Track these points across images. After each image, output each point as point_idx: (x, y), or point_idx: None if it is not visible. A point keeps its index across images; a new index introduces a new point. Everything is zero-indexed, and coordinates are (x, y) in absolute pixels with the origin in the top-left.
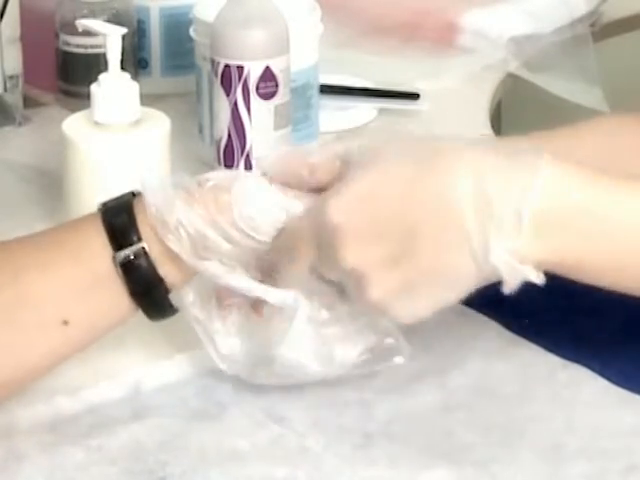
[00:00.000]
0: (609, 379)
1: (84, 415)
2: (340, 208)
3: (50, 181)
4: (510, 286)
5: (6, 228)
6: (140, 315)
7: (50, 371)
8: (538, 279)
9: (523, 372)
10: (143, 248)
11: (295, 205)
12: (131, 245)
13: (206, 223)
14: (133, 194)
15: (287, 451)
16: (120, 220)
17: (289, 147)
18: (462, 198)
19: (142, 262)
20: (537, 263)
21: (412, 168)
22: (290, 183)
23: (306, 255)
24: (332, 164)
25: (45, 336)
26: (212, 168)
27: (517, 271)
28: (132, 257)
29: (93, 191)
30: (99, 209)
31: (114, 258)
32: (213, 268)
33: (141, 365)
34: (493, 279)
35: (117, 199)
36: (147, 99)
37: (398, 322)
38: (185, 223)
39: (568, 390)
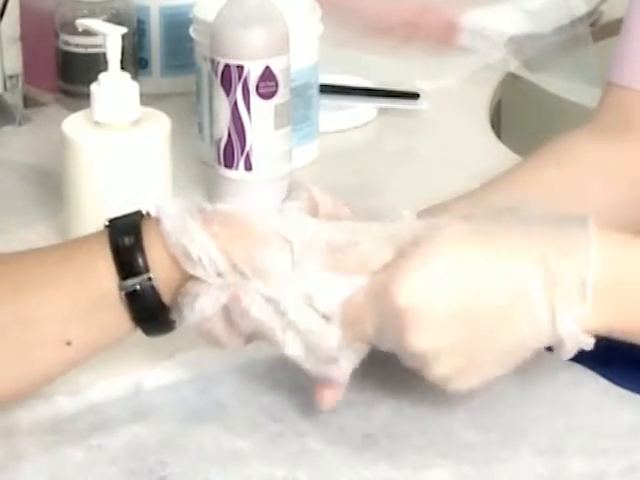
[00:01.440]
0: (609, 379)
1: (84, 415)
2: (410, 291)
3: (50, 181)
4: (570, 354)
5: (6, 228)
6: None
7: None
8: (589, 346)
9: (524, 372)
10: (149, 278)
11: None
12: (137, 274)
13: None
14: (141, 214)
15: (287, 451)
16: (127, 243)
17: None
18: (532, 281)
19: (148, 292)
20: (596, 330)
21: (477, 252)
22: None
23: (366, 331)
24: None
25: (46, 354)
26: (212, 168)
27: (580, 340)
28: (138, 287)
29: (93, 191)
30: (106, 227)
31: (120, 286)
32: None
33: (141, 365)
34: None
35: (125, 217)
36: (147, 99)
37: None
38: (212, 254)
39: (568, 390)
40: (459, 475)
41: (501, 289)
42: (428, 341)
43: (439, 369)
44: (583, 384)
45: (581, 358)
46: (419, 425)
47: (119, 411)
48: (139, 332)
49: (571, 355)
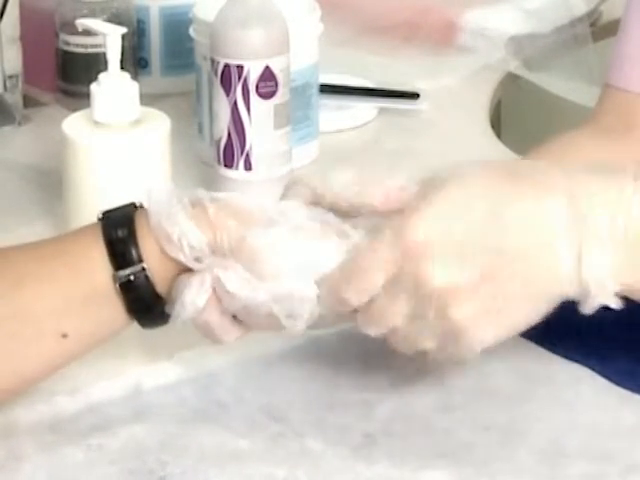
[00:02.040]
0: (609, 379)
1: (84, 415)
2: (425, 225)
3: (50, 181)
4: (592, 306)
5: (6, 227)
6: None
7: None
8: (617, 304)
9: (523, 372)
10: (143, 268)
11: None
12: (131, 264)
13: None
14: (135, 206)
15: (287, 451)
16: (121, 235)
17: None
18: (555, 219)
19: (141, 282)
20: (629, 285)
21: (499, 186)
22: (342, 208)
23: (373, 282)
24: (406, 192)
25: (43, 348)
26: (212, 167)
27: (606, 289)
28: (132, 278)
29: (93, 191)
30: (99, 219)
31: (114, 277)
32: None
33: (141, 365)
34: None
35: (118, 210)
36: (147, 99)
37: (465, 352)
38: (190, 237)
39: (568, 390)
40: (459, 475)
41: (523, 227)
42: (444, 274)
43: (460, 310)
44: (583, 383)
45: (581, 357)
46: (419, 425)
47: (119, 411)
48: (139, 332)
49: (596, 307)
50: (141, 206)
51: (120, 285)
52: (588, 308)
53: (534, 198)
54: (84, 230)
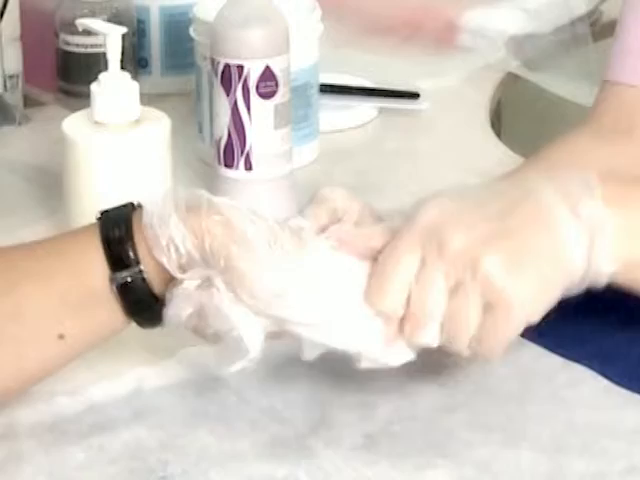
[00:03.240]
0: (610, 379)
1: (85, 415)
2: (435, 205)
3: (50, 180)
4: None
5: (6, 227)
6: None
7: (45, 379)
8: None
9: (524, 372)
10: (140, 270)
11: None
12: (128, 266)
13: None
14: (133, 205)
15: (288, 451)
16: (118, 235)
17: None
18: (547, 193)
19: (139, 284)
20: (616, 273)
21: (488, 191)
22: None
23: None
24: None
25: (40, 349)
26: (212, 167)
27: (602, 221)
28: (129, 280)
29: (93, 190)
30: (98, 219)
31: (111, 279)
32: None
33: (142, 365)
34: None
35: (116, 210)
36: (147, 98)
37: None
38: (177, 242)
39: (568, 390)
40: (460, 475)
41: (516, 197)
42: (465, 234)
43: (485, 266)
44: (584, 384)
45: (581, 358)
46: (420, 425)
47: (120, 411)
48: (140, 332)
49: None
50: (139, 206)
51: (117, 287)
52: (580, 287)
53: (528, 192)
54: (82, 230)
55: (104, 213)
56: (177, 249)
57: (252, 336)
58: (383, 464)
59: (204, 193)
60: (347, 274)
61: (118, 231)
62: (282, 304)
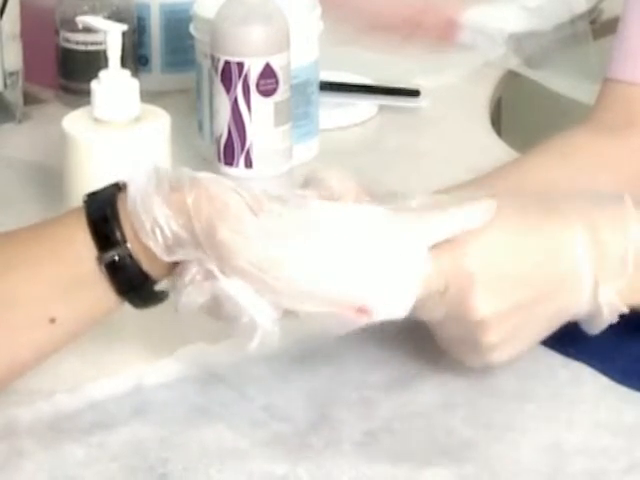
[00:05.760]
0: (610, 377)
1: (85, 412)
2: (476, 257)
3: (50, 178)
4: (600, 327)
5: (6, 225)
6: (140, 311)
7: (38, 367)
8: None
9: (524, 370)
10: (127, 248)
11: None
12: (114, 245)
13: (184, 229)
14: (118, 186)
15: (288, 448)
16: (103, 216)
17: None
18: (577, 247)
19: (126, 262)
20: (631, 305)
21: (533, 221)
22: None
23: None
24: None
25: (32, 335)
26: (212, 165)
27: (617, 311)
28: (116, 258)
29: (93, 188)
30: (84, 202)
31: (98, 258)
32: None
33: (142, 362)
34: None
35: (102, 191)
36: (147, 96)
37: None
38: (162, 224)
39: (569, 388)
40: (460, 473)
41: (548, 256)
42: (488, 304)
43: (492, 336)
44: (584, 382)
45: (582, 356)
46: (420, 423)
47: (120, 408)
48: (140, 329)
49: (605, 325)
50: (124, 185)
51: (105, 266)
52: (596, 328)
53: (553, 230)
54: (69, 213)
55: (90, 195)
56: (162, 231)
57: (264, 318)
58: (383, 462)
59: (186, 170)
60: (345, 220)
61: (103, 211)
62: (278, 273)
